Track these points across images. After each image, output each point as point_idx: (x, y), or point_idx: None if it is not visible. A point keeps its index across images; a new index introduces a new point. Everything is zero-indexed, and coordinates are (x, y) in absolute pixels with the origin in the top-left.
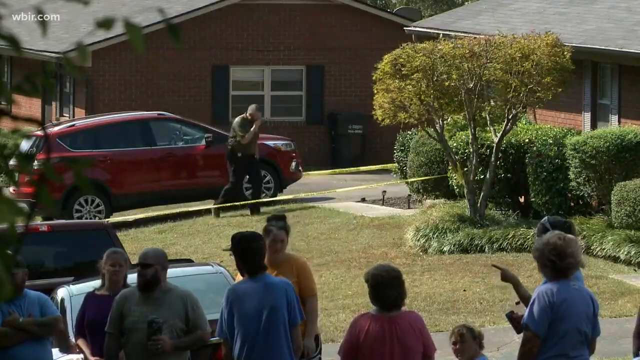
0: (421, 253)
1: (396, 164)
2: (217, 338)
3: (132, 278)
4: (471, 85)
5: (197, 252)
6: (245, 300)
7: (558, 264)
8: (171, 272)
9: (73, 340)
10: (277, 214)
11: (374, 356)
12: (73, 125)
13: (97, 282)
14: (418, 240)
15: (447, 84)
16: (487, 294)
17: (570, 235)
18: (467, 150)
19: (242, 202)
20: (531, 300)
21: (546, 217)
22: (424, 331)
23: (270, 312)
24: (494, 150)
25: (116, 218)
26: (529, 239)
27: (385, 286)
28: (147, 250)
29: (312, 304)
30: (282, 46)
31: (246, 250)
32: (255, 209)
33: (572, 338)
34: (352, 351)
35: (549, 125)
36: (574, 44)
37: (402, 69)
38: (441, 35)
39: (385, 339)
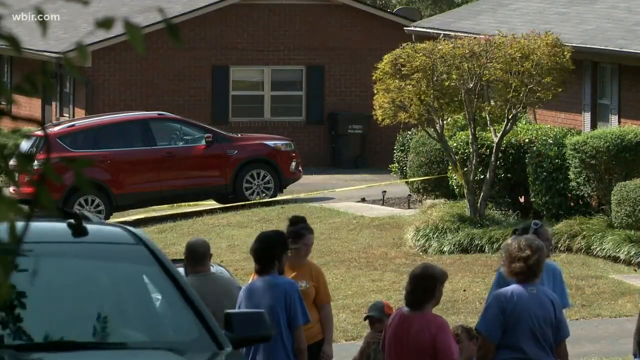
0: (421, 253)
1: (396, 164)
2: None
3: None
4: (471, 85)
5: None
6: (250, 299)
7: (519, 266)
8: None
9: None
10: (298, 215)
11: (390, 348)
12: (73, 125)
13: None
14: (418, 240)
15: (447, 84)
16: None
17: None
18: (467, 150)
19: (242, 203)
20: (485, 305)
21: (532, 221)
22: (439, 336)
23: (267, 312)
24: (494, 150)
25: (116, 218)
26: None
27: (409, 282)
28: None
29: (328, 310)
30: (282, 46)
31: (252, 248)
32: None
33: (528, 343)
34: (384, 340)
35: (549, 125)
36: (574, 44)
37: (402, 69)
38: (441, 35)
39: (398, 335)
